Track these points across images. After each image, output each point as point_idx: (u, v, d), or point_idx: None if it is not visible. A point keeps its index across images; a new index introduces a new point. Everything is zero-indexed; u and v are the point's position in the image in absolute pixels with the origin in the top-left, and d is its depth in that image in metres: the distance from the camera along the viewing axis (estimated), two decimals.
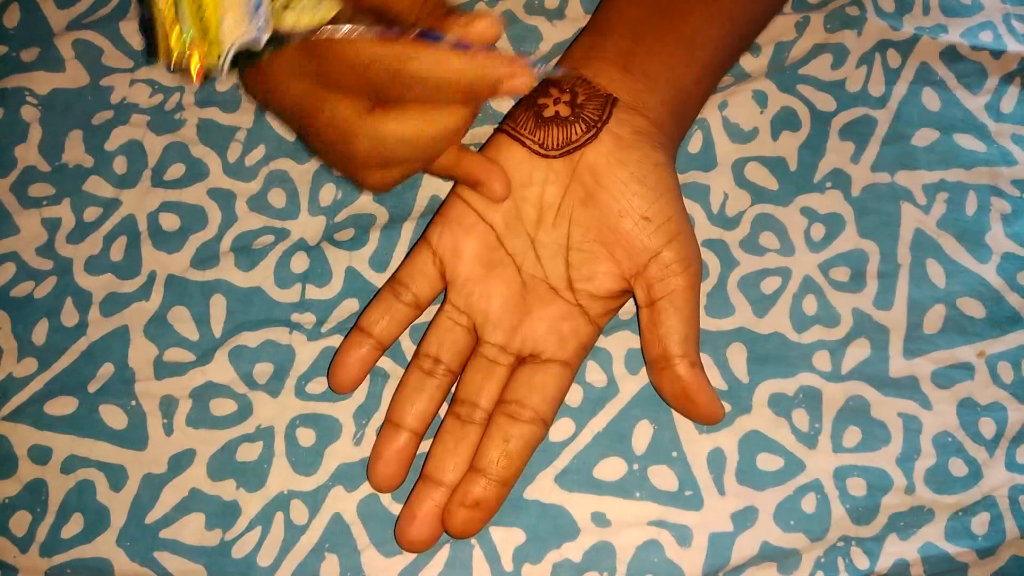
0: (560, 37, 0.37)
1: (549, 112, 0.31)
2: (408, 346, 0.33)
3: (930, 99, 0.36)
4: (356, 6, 0.27)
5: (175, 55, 0.26)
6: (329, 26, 0.26)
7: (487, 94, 0.27)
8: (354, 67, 0.27)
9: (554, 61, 0.34)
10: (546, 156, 0.30)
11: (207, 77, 0.27)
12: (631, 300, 0.32)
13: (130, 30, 0.37)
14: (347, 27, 0.26)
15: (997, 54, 0.36)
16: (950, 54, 0.37)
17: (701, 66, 0.32)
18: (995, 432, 0.32)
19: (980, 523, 0.30)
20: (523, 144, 0.31)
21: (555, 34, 0.37)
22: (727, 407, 0.32)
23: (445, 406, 0.31)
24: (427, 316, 0.32)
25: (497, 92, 0.27)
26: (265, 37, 0.26)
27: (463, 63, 0.27)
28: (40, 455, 0.32)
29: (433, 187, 0.35)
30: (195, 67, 0.26)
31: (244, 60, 0.27)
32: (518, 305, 0.31)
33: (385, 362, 0.33)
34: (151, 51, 0.37)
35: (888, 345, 0.33)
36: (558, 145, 0.30)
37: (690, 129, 0.35)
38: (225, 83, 0.36)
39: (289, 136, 0.36)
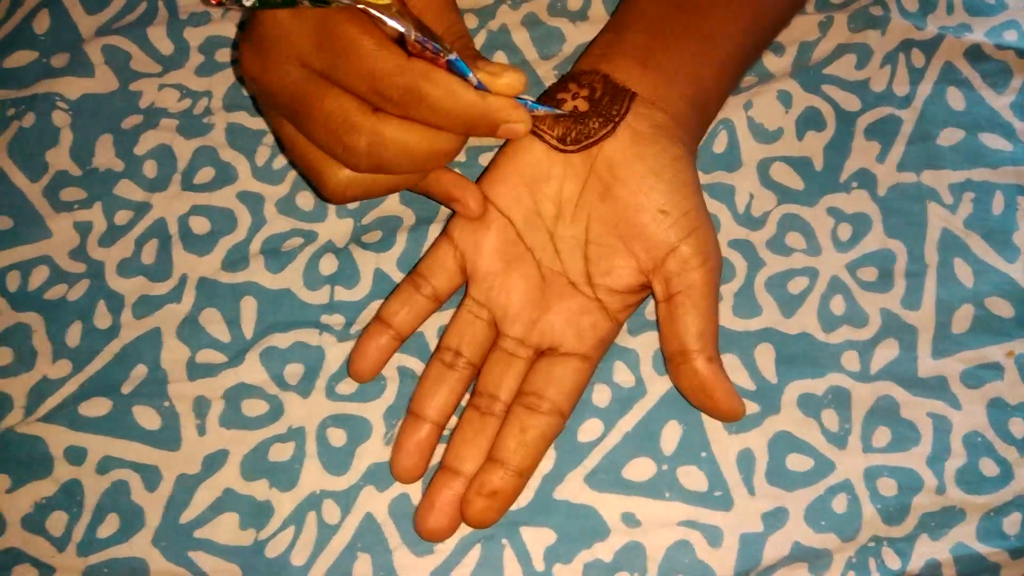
0: (582, 39, 0.37)
1: (567, 107, 0.31)
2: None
3: (955, 98, 0.36)
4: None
5: None
6: (376, 5, 0.26)
7: (485, 133, 0.28)
8: (369, 73, 0.27)
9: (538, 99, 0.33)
10: (564, 151, 0.31)
11: (223, 4, 0.27)
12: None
13: (158, 35, 0.38)
14: (395, 15, 0.26)
15: (1022, 53, 0.36)
16: (974, 53, 0.36)
17: (720, 62, 0.32)
18: None
19: (1012, 523, 0.30)
20: (541, 139, 0.31)
21: (577, 35, 0.37)
22: (756, 407, 0.32)
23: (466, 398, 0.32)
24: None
25: (495, 134, 0.29)
26: None
27: (474, 100, 0.28)
28: (75, 456, 0.32)
29: None
30: None
31: (273, 2, 0.27)
32: (537, 299, 0.31)
33: (415, 363, 0.33)
34: None
35: (916, 345, 0.33)
36: (576, 140, 0.30)
37: (715, 129, 0.35)
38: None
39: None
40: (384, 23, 0.27)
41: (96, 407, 0.33)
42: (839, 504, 0.31)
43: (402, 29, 0.27)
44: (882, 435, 0.31)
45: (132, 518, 0.31)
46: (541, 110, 0.30)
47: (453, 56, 0.27)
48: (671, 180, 0.30)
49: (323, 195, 0.30)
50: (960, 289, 0.33)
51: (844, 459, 0.31)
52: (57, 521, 0.31)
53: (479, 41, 0.37)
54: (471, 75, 0.28)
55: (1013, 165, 0.35)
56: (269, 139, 0.36)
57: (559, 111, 0.31)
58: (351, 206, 0.35)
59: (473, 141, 0.36)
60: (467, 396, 0.32)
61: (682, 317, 0.30)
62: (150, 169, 0.36)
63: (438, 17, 0.30)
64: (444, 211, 0.35)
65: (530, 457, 0.30)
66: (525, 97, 0.29)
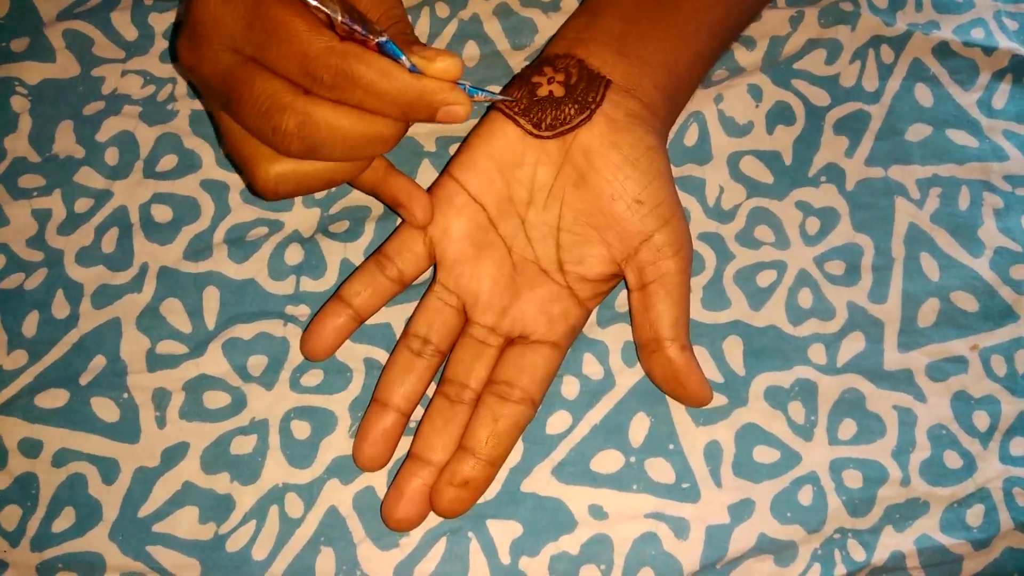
0: (555, 29, 0.36)
1: (543, 91, 0.31)
2: None
3: (923, 95, 0.36)
4: None
5: None
6: None
7: (423, 117, 0.27)
8: (300, 54, 0.26)
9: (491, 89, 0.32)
10: (539, 136, 0.30)
11: None
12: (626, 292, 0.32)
13: (122, 20, 0.37)
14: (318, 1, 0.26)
15: (989, 51, 0.37)
16: (942, 50, 0.37)
17: (694, 51, 0.32)
18: (989, 425, 0.32)
19: (975, 515, 0.31)
20: (516, 123, 0.31)
21: (550, 26, 0.37)
22: (723, 399, 0.32)
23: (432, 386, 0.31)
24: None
25: (434, 118, 0.27)
26: None
27: (409, 81, 0.27)
28: (31, 448, 0.31)
29: (427, 178, 0.35)
30: None
31: None
32: (508, 286, 0.31)
33: (382, 354, 0.32)
34: None
35: (883, 338, 0.33)
36: (551, 126, 0.30)
37: (686, 122, 0.35)
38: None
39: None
40: (311, 5, 0.26)
41: (53, 399, 0.32)
42: (805, 496, 0.31)
43: (327, 11, 0.26)
44: (848, 427, 0.32)
45: (89, 512, 0.31)
46: (481, 95, 0.29)
47: (384, 38, 0.27)
48: (646, 170, 0.30)
49: (254, 190, 0.29)
50: (926, 283, 0.33)
51: (810, 451, 0.31)
52: (10, 515, 0.31)
53: (450, 30, 0.37)
54: (404, 58, 0.27)
55: (979, 161, 0.35)
56: None
57: (500, 96, 0.30)
58: (318, 195, 0.35)
59: (442, 131, 0.35)
60: (432, 384, 0.31)
61: (655, 305, 0.30)
62: (111, 156, 0.35)
63: (375, 1, 0.29)
64: None
65: (502, 446, 0.29)
66: (464, 82, 0.28)
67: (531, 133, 0.30)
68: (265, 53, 0.27)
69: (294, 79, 0.27)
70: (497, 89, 0.35)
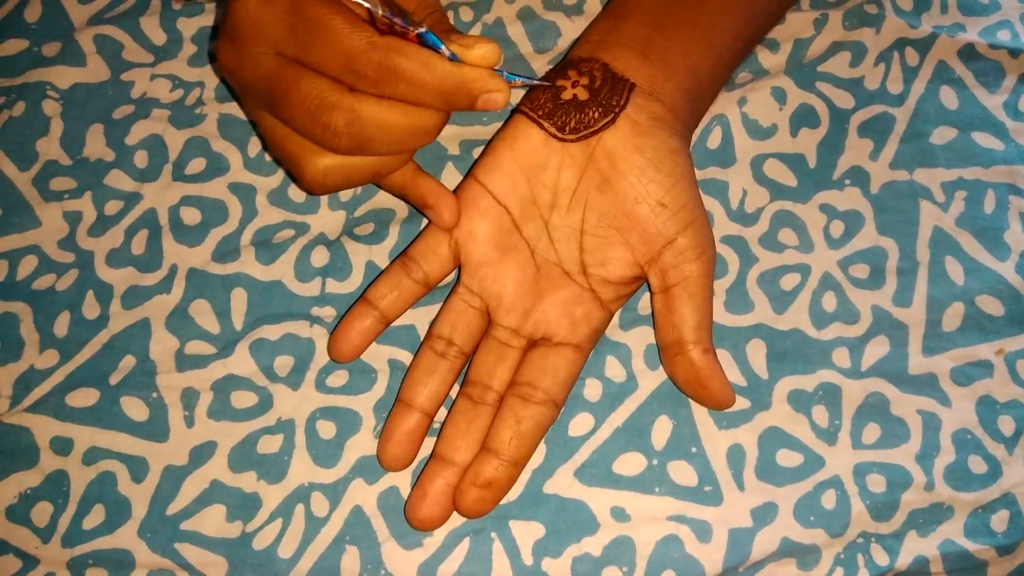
0: (578, 33, 0.37)
1: (567, 95, 0.31)
2: None
3: (948, 97, 0.36)
4: None
5: None
6: None
7: (464, 105, 0.28)
8: (343, 52, 0.26)
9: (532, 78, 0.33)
10: (563, 140, 0.31)
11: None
12: (649, 295, 0.33)
13: (151, 25, 0.38)
14: None
15: (1015, 53, 0.37)
16: (968, 52, 0.37)
17: (717, 55, 0.32)
18: (1014, 430, 0.32)
19: (1000, 520, 0.30)
20: (540, 127, 0.31)
21: (573, 30, 0.37)
22: (746, 403, 0.32)
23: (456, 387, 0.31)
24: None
25: (474, 106, 0.28)
26: None
27: (450, 70, 0.27)
28: (62, 446, 0.32)
29: (451, 182, 0.35)
30: None
31: None
32: (531, 289, 0.31)
33: (406, 356, 0.33)
34: None
35: (907, 342, 0.33)
36: (575, 129, 0.30)
37: (709, 125, 0.35)
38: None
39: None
40: (351, 1, 0.27)
41: (83, 398, 0.32)
42: (828, 500, 0.31)
43: (368, 6, 0.27)
44: (872, 432, 0.31)
45: (118, 509, 0.31)
46: (519, 80, 0.30)
47: (423, 29, 0.27)
48: (670, 173, 0.30)
49: (303, 185, 0.29)
50: (951, 287, 0.33)
51: (834, 455, 0.31)
52: (42, 512, 0.31)
53: (473, 33, 0.37)
54: (443, 48, 0.27)
55: (1005, 164, 0.35)
56: None
57: (537, 81, 0.30)
58: (343, 197, 0.35)
59: (466, 134, 0.36)
60: (456, 385, 0.32)
61: (679, 308, 0.30)
62: (141, 159, 0.36)
63: None
64: None
65: (525, 447, 0.30)
66: (501, 69, 0.29)
67: (555, 136, 0.31)
68: (308, 53, 0.27)
69: (338, 77, 0.27)
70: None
